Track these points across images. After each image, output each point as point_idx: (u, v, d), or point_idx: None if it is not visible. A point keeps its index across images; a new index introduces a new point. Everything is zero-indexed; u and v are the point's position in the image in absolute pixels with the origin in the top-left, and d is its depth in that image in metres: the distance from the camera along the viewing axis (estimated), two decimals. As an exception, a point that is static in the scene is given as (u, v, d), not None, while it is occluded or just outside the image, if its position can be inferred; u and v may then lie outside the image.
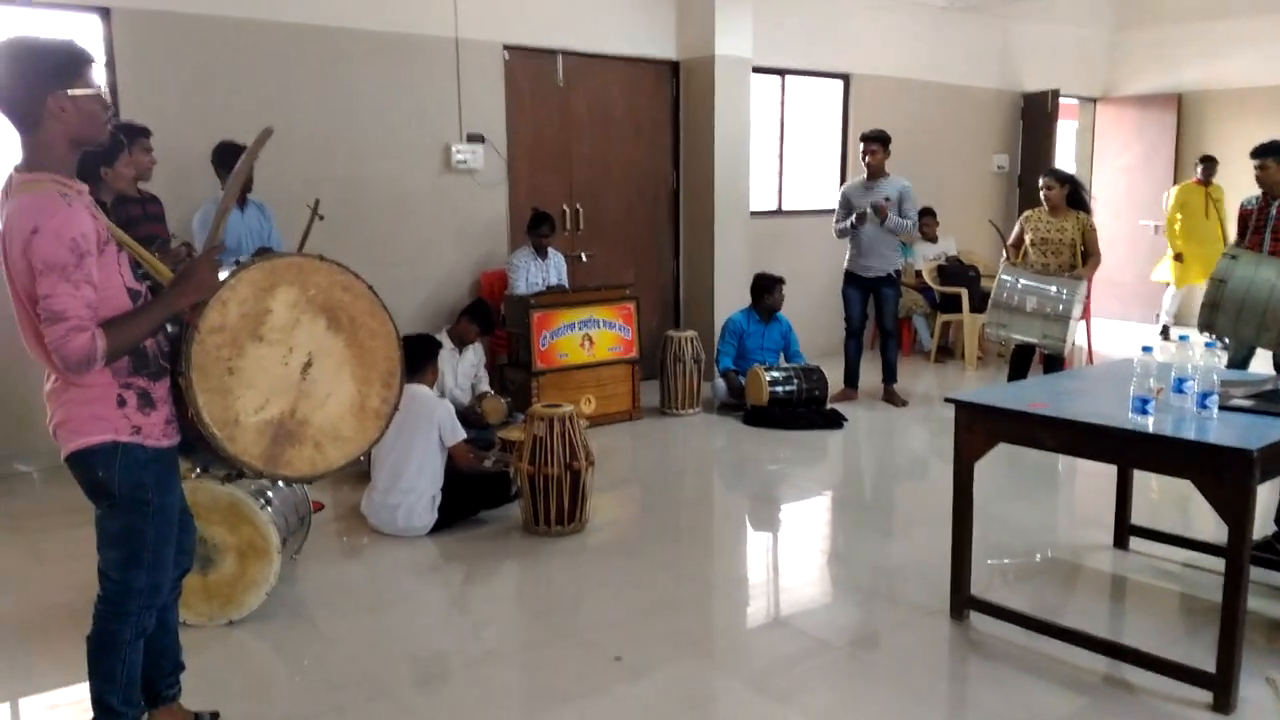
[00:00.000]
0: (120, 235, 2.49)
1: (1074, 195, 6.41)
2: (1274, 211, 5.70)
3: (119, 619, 2.53)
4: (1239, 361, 5.58)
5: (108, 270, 2.33)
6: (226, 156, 5.32)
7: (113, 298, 2.34)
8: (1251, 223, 5.80)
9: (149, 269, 2.59)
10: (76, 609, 3.65)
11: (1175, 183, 10.70)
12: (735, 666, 3.46)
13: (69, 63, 2.32)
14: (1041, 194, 6.44)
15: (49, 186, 2.28)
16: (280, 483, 4.04)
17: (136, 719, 2.67)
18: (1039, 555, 4.44)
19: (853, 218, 6.93)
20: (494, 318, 6.19)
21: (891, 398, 7.26)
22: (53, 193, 2.27)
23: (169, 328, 2.51)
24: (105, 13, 5.59)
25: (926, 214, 9.21)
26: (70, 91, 2.29)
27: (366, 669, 3.40)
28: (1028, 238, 6.47)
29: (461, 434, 4.72)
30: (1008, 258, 6.55)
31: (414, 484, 4.58)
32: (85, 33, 5.51)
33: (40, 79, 2.28)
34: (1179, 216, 9.54)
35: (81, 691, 2.76)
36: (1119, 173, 11.21)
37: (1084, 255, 6.37)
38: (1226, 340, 5.04)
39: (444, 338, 5.79)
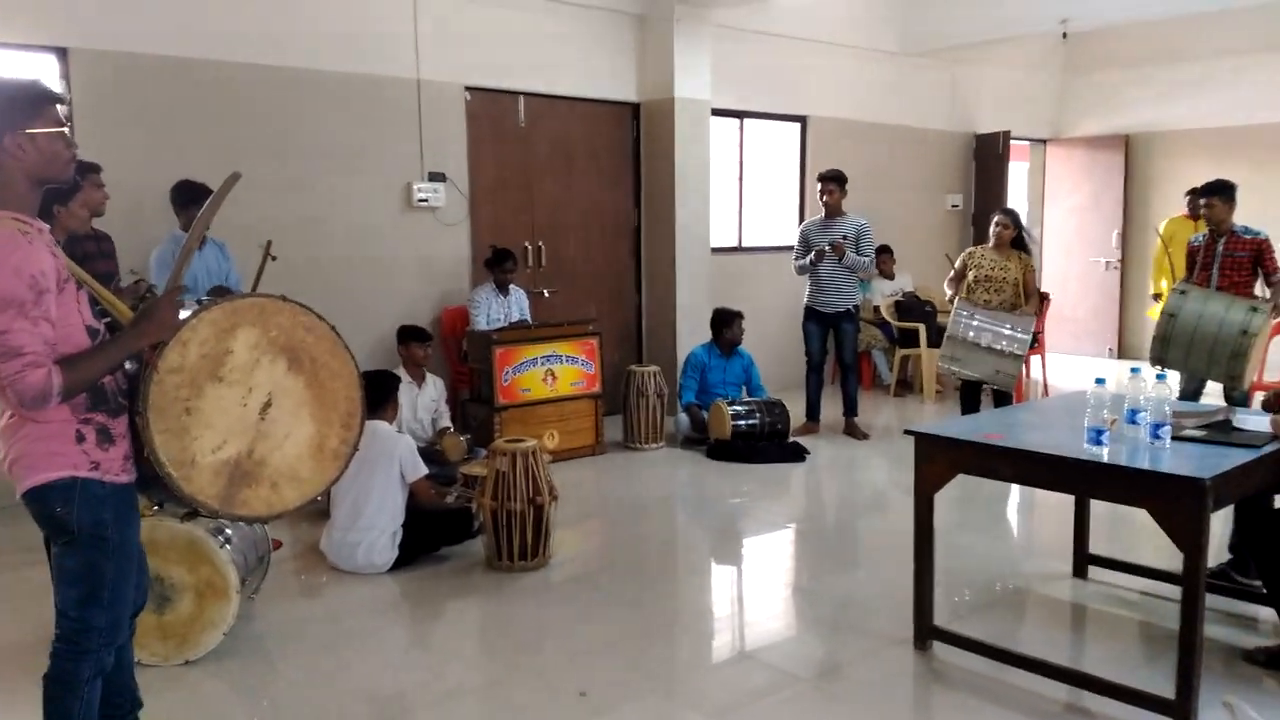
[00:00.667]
0: (80, 273, 2.48)
1: (1018, 237, 6.55)
2: (1220, 248, 5.87)
3: (77, 658, 2.47)
4: (1190, 394, 5.71)
5: (66, 308, 2.32)
6: (185, 195, 5.29)
7: (71, 335, 2.33)
8: (1199, 259, 5.95)
9: (108, 307, 2.58)
10: (28, 649, 3.57)
11: (1125, 221, 10.97)
12: (700, 701, 3.44)
13: (28, 102, 2.32)
14: (996, 231, 6.54)
15: (8, 224, 2.26)
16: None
17: None
18: (1000, 585, 4.47)
19: (811, 255, 7.03)
20: (413, 327, 6.15)
21: (852, 431, 7.33)
22: (13, 230, 2.25)
23: (128, 365, 2.49)
24: (62, 53, 5.57)
25: (883, 251, 9.35)
26: (30, 130, 2.30)
27: (325, 709, 3.34)
28: (971, 274, 6.55)
29: (423, 470, 4.69)
30: (952, 294, 6.64)
31: (374, 521, 4.53)
32: (43, 72, 5.48)
33: None
34: (1169, 252, 9.31)
35: (32, 735, 2.69)
36: (1069, 212, 11.47)
37: (1025, 294, 6.49)
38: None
39: (401, 373, 5.77)
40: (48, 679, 2.49)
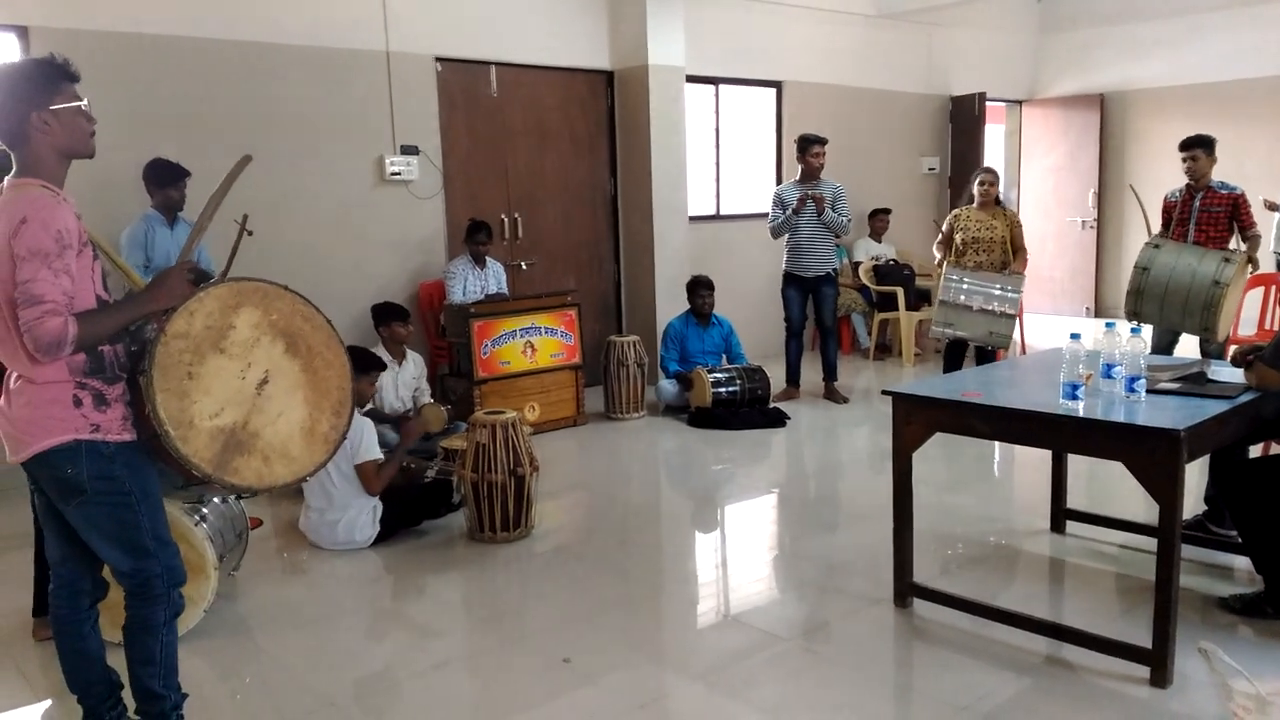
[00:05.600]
0: (99, 241, 2.61)
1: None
2: (1197, 204, 5.89)
3: (149, 605, 2.63)
4: (1163, 348, 5.73)
5: (83, 273, 2.44)
6: (160, 174, 5.26)
7: (84, 300, 2.43)
8: (1175, 214, 5.97)
9: (124, 276, 2.74)
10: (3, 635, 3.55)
11: (1100, 180, 10.99)
12: (685, 664, 3.46)
13: (47, 80, 2.44)
14: (983, 190, 6.54)
15: (37, 189, 2.40)
16: (218, 499, 3.97)
17: (179, 704, 2.74)
18: (979, 542, 4.50)
19: (791, 206, 6.98)
20: (392, 305, 6.04)
21: (833, 395, 7.34)
22: (42, 192, 2.39)
23: (131, 346, 2.60)
24: (23, 31, 5.44)
25: (881, 213, 9.56)
26: (53, 107, 2.42)
27: (310, 685, 3.34)
28: (958, 237, 6.58)
29: (375, 454, 4.55)
30: (941, 257, 6.68)
31: (348, 499, 4.51)
32: (2, 51, 5.38)
33: (21, 98, 2.40)
34: None
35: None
36: (1046, 172, 11.48)
37: (1014, 250, 6.51)
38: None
39: (382, 352, 5.73)
40: (126, 629, 2.65)
